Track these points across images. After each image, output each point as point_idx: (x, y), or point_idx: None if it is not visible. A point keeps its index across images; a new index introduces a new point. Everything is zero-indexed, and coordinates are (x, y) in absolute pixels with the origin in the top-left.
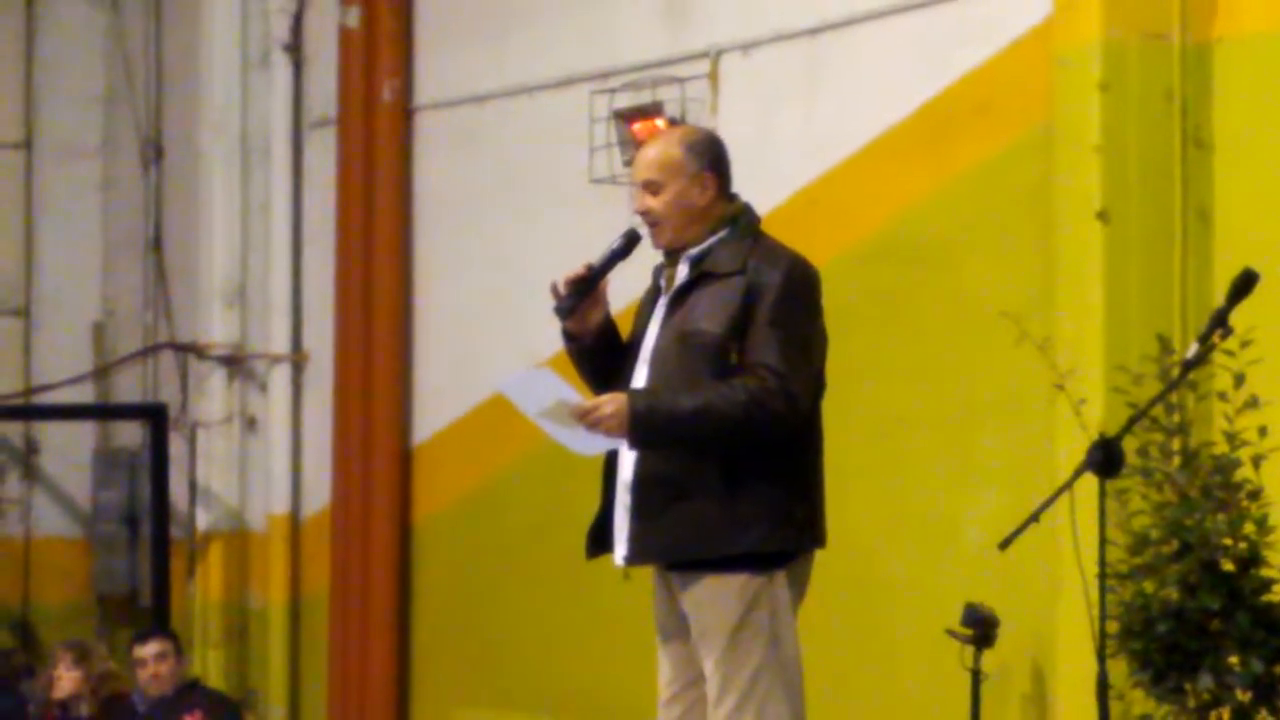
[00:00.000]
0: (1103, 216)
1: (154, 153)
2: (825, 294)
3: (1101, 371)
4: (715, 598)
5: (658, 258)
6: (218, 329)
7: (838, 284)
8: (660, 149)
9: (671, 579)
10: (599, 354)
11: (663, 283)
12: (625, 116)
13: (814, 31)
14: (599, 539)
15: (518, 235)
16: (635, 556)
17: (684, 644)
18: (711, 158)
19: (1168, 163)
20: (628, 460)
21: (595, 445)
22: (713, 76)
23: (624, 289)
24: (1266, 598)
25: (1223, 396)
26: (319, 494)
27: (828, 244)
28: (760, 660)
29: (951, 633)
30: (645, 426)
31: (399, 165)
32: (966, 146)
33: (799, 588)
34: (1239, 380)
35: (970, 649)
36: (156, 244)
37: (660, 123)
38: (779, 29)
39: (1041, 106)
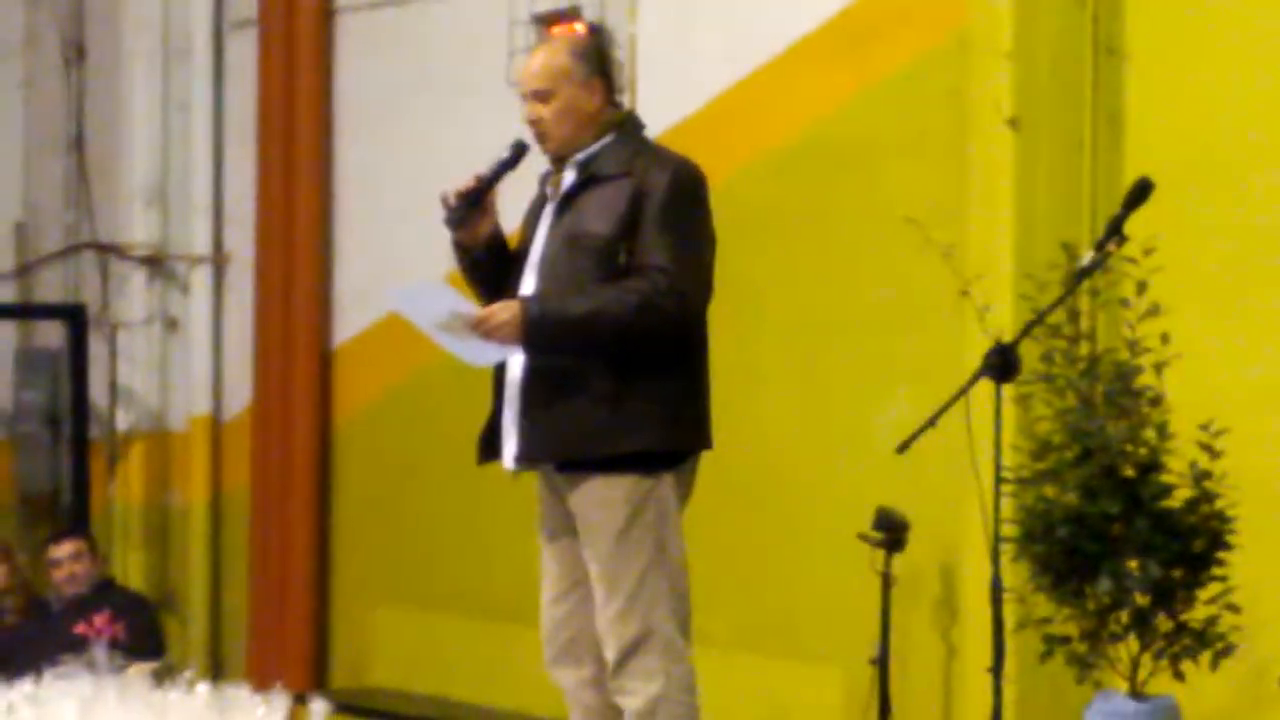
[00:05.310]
0: (1013, 123)
1: (75, 52)
2: (741, 199)
3: (1010, 278)
4: (602, 499)
5: (543, 166)
6: (139, 229)
7: (754, 189)
8: (547, 57)
9: (558, 480)
10: (489, 265)
11: (549, 190)
12: (544, 20)
13: None
14: (489, 445)
15: (438, 138)
16: (524, 458)
17: (570, 544)
18: (599, 63)
19: (1079, 70)
20: (516, 365)
21: (488, 355)
22: None
23: (515, 203)
24: (1165, 503)
25: (1125, 303)
26: (240, 395)
27: (744, 149)
28: (646, 562)
29: (862, 536)
30: (539, 332)
31: (320, 66)
32: (882, 53)
33: (685, 489)
34: (1141, 287)
35: (881, 552)
36: (78, 144)
37: (579, 27)
38: None
39: (956, 13)
